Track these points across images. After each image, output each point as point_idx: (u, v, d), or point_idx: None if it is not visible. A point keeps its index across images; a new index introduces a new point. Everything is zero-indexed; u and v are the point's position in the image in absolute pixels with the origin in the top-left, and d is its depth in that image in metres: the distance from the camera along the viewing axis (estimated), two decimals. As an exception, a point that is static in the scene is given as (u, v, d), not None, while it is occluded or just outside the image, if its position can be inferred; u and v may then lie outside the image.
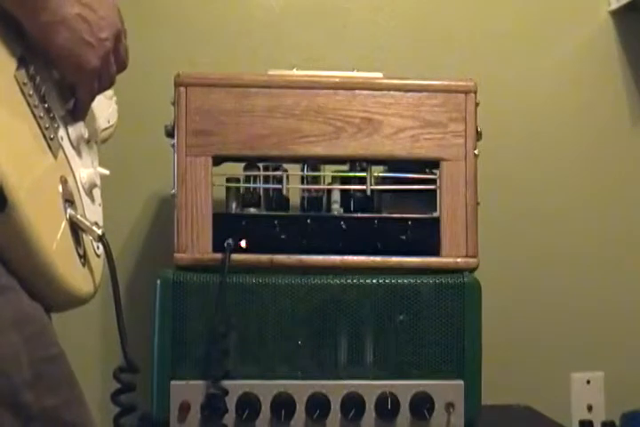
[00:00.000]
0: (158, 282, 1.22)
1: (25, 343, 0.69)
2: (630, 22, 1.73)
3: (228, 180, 1.31)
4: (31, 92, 0.77)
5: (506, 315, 1.63)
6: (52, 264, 0.74)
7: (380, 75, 1.31)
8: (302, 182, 1.34)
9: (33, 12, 0.77)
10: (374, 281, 1.24)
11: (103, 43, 0.83)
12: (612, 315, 1.70)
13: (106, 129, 1.04)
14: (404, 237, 1.27)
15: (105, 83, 0.90)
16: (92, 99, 0.90)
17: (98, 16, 0.82)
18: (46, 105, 0.81)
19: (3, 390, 0.67)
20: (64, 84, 0.87)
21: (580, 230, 1.71)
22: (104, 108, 1.03)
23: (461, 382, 1.23)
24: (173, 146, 1.25)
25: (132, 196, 1.59)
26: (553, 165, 1.71)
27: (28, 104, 0.77)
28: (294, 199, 1.35)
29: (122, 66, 0.91)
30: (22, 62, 0.77)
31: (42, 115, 0.79)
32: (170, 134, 1.27)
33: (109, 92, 1.05)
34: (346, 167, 1.33)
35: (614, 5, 1.71)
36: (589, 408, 1.69)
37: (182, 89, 1.24)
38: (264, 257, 1.24)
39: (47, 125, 0.80)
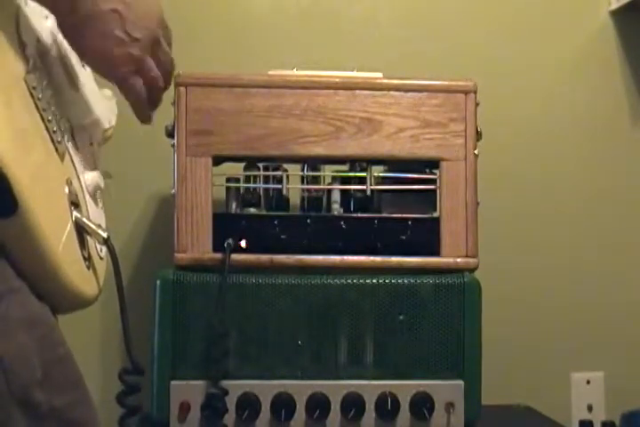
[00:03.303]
0: (158, 282, 1.22)
1: (35, 344, 0.70)
2: (630, 22, 1.73)
3: (227, 180, 1.31)
4: (40, 96, 0.77)
5: (506, 315, 1.63)
6: (58, 266, 0.74)
7: (379, 75, 1.31)
8: (302, 182, 1.34)
9: (69, 5, 0.77)
10: (374, 281, 1.24)
11: (135, 42, 0.82)
12: (612, 315, 1.70)
13: (107, 130, 1.04)
14: (404, 237, 1.27)
15: (154, 82, 0.87)
16: (139, 98, 0.88)
17: (134, 15, 0.81)
18: (53, 108, 0.81)
19: (15, 389, 0.67)
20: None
21: (580, 230, 1.71)
22: (105, 109, 1.04)
23: (461, 382, 1.23)
24: (173, 146, 1.25)
25: (132, 196, 1.59)
26: (553, 164, 1.71)
27: (37, 107, 0.77)
28: (294, 199, 1.35)
29: (165, 71, 0.89)
30: (32, 66, 0.77)
31: (50, 118, 0.79)
32: (170, 134, 1.27)
33: (109, 93, 1.05)
34: (346, 167, 1.33)
35: (614, 5, 1.71)
36: (589, 408, 1.69)
37: (182, 89, 1.24)
38: (264, 257, 1.24)
39: (55, 129, 0.80)
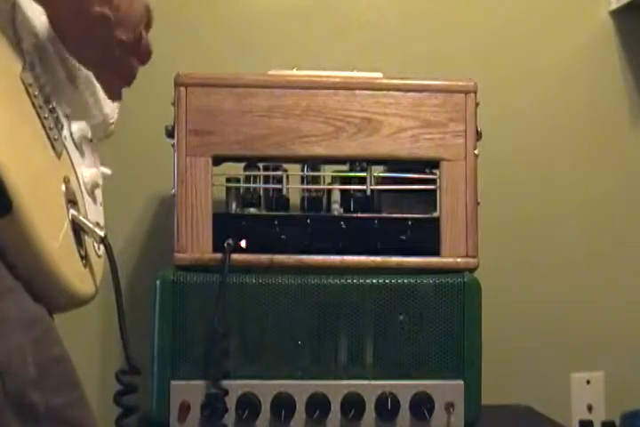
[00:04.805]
0: (158, 282, 1.22)
1: (31, 344, 0.70)
2: (630, 22, 1.73)
3: (228, 180, 1.31)
4: (36, 93, 0.77)
5: (506, 315, 1.63)
6: (54, 265, 0.74)
7: (379, 75, 1.31)
8: (302, 182, 1.34)
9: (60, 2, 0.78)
10: (374, 281, 1.24)
11: (121, 43, 0.84)
12: (612, 315, 1.70)
13: (110, 124, 1.04)
14: (404, 237, 1.27)
15: (126, 76, 0.90)
16: (112, 90, 0.91)
17: (121, 16, 0.82)
18: (51, 105, 0.81)
19: (11, 391, 0.67)
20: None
21: (580, 230, 1.71)
22: (106, 105, 1.03)
23: (461, 382, 1.23)
24: (173, 146, 1.25)
25: (132, 196, 1.59)
26: (553, 164, 1.71)
27: (34, 105, 0.77)
28: (294, 199, 1.35)
29: (144, 59, 0.91)
30: (28, 63, 0.77)
31: (46, 115, 0.79)
32: (170, 134, 1.27)
33: None
34: (346, 167, 1.33)
35: (614, 5, 1.71)
36: (589, 408, 1.69)
37: (182, 89, 1.24)
38: (264, 257, 1.24)
39: (51, 126, 0.80)
